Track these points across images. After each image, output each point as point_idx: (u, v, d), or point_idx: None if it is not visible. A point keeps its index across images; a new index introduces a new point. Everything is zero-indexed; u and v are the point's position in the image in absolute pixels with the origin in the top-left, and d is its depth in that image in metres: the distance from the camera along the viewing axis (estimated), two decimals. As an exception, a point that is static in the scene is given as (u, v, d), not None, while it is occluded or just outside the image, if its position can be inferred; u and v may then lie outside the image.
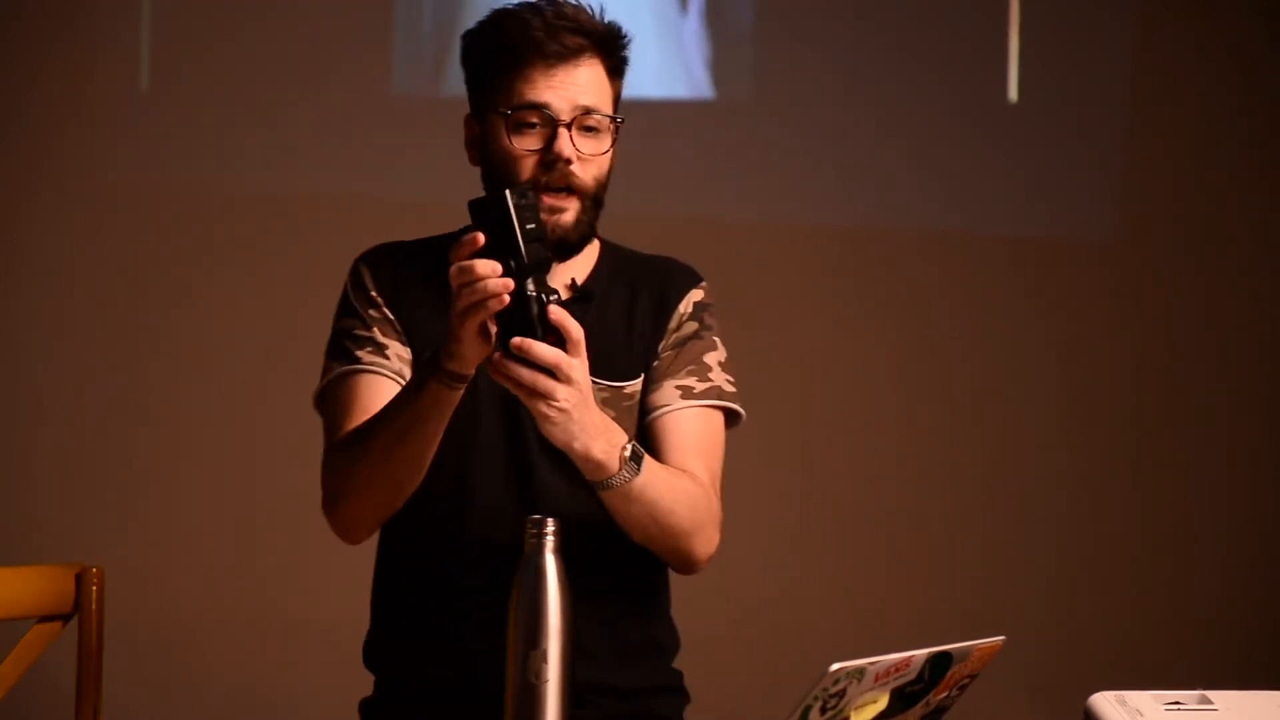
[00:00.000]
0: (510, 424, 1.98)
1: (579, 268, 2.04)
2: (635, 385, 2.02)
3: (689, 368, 2.03)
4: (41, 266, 4.08)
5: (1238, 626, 4.00)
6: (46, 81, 4.07)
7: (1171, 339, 4.08)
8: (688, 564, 1.97)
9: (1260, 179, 4.07)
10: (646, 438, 2.00)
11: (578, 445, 1.77)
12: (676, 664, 2.14)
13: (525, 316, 1.71)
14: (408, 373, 1.99)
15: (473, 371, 1.80)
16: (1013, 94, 4.05)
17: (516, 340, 1.70)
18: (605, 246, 2.09)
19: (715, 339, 2.06)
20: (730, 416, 2.06)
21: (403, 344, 2.01)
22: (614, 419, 1.86)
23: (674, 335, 2.04)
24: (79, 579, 2.06)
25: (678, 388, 2.01)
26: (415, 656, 2.01)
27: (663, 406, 2.01)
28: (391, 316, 2.02)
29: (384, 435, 1.87)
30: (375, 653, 2.11)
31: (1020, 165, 4.06)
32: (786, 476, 3.90)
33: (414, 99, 4.11)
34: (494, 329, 1.74)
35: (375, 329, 2.01)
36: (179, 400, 4.07)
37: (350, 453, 1.93)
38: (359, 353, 2.00)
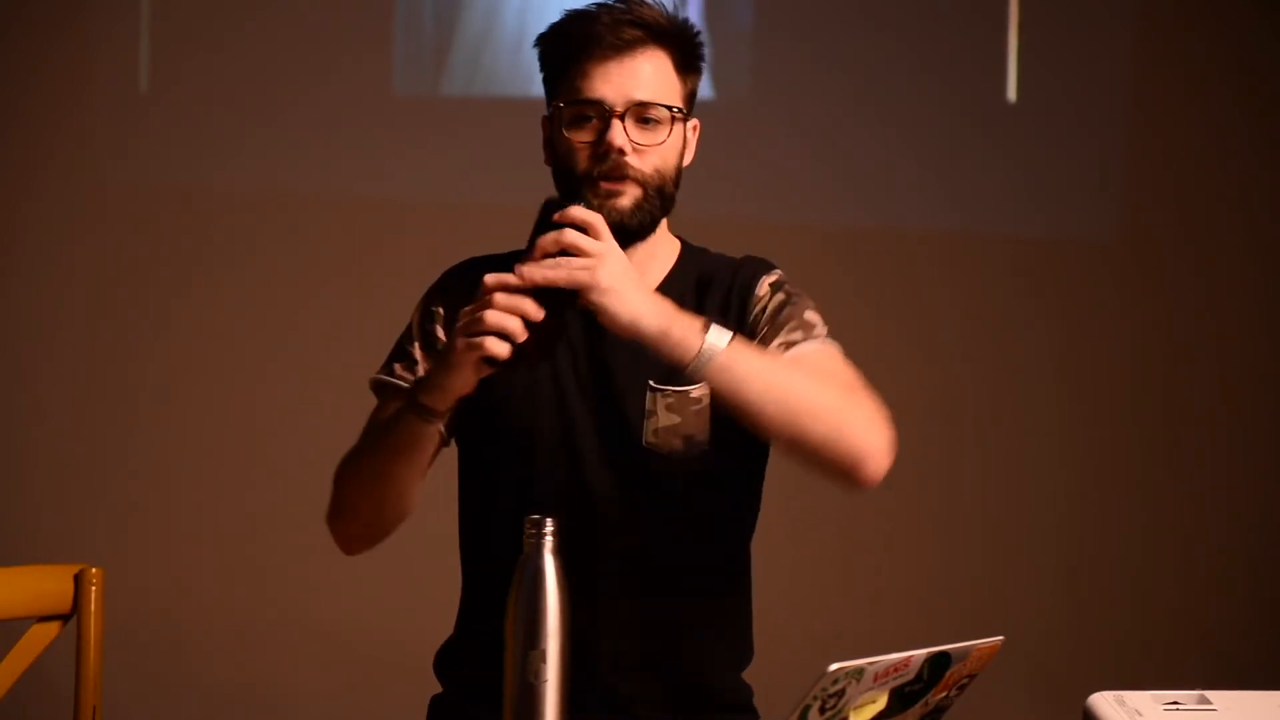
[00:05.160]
0: (570, 443, 1.95)
1: (655, 270, 2.02)
2: (703, 389, 1.94)
3: (789, 325, 1.96)
4: (41, 266, 4.08)
5: (1237, 627, 4.00)
6: (46, 81, 4.07)
7: (1172, 339, 4.08)
8: (855, 461, 1.82)
9: (1260, 179, 4.07)
10: (721, 431, 1.93)
11: (648, 322, 1.76)
12: (751, 677, 2.08)
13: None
14: None
15: (444, 408, 1.80)
16: (1012, 94, 4.05)
17: (557, 215, 1.77)
18: (686, 249, 2.07)
19: (810, 303, 2.00)
20: None
21: None
22: (678, 425, 1.84)
23: (765, 313, 1.98)
24: (78, 579, 2.06)
25: (781, 344, 1.94)
26: (487, 663, 1.86)
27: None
28: (442, 335, 2.01)
29: (369, 464, 1.90)
30: (451, 658, 2.08)
31: (1020, 165, 4.06)
32: (786, 475, 3.90)
33: (414, 99, 4.11)
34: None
35: (416, 344, 2.02)
36: (178, 400, 4.07)
37: (344, 473, 1.95)
38: (395, 364, 2.02)
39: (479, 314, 1.74)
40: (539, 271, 1.74)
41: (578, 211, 1.77)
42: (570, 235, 1.76)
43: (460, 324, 1.77)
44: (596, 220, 1.77)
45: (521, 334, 1.74)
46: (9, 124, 4.07)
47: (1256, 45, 4.04)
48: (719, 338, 1.77)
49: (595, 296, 1.75)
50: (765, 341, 1.95)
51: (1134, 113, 4.06)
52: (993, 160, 4.06)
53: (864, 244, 4.07)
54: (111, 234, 4.08)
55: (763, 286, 2.00)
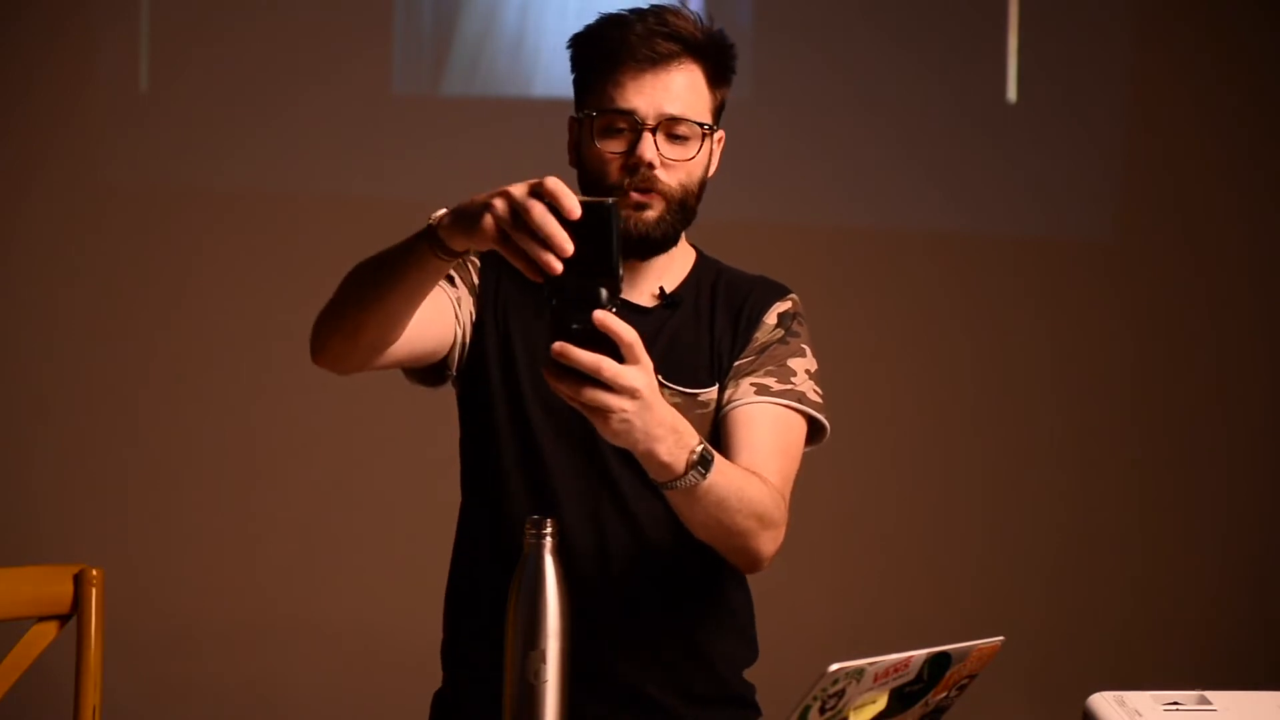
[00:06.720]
0: (585, 433, 1.92)
1: (670, 276, 2.05)
2: (709, 393, 2.00)
3: (768, 368, 2.00)
4: (41, 266, 4.08)
5: (1236, 627, 4.00)
6: (46, 81, 4.07)
7: (1170, 338, 4.08)
8: (750, 563, 1.91)
9: (1259, 179, 4.07)
10: (719, 435, 1.97)
11: (640, 448, 1.68)
12: (752, 677, 2.11)
13: (565, 330, 1.60)
14: (461, 312, 2.00)
15: (460, 250, 1.72)
16: (1012, 94, 4.05)
17: (557, 346, 1.59)
18: (701, 258, 2.09)
19: (804, 346, 2.03)
20: (813, 431, 2.01)
21: (471, 294, 2.02)
22: None
23: (757, 343, 2.02)
24: (77, 579, 2.06)
25: (753, 385, 1.98)
26: (491, 660, 1.83)
27: (735, 401, 1.98)
28: (476, 282, 2.03)
29: (370, 276, 1.82)
30: (452, 655, 2.10)
31: (1020, 165, 4.06)
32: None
33: (414, 99, 4.11)
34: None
35: (454, 271, 2.01)
36: (178, 400, 4.07)
37: (347, 278, 1.87)
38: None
39: (530, 205, 1.60)
40: (560, 385, 1.61)
41: (616, 326, 1.59)
42: (609, 372, 1.59)
43: (505, 191, 1.64)
44: (635, 342, 1.60)
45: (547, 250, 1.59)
46: (9, 124, 4.07)
47: (1255, 46, 4.04)
48: (697, 475, 1.73)
49: (606, 435, 1.66)
50: (744, 368, 2.00)
51: (1133, 113, 4.06)
52: (992, 160, 4.06)
53: (864, 244, 4.07)
54: (112, 233, 4.08)
55: (771, 316, 2.04)
